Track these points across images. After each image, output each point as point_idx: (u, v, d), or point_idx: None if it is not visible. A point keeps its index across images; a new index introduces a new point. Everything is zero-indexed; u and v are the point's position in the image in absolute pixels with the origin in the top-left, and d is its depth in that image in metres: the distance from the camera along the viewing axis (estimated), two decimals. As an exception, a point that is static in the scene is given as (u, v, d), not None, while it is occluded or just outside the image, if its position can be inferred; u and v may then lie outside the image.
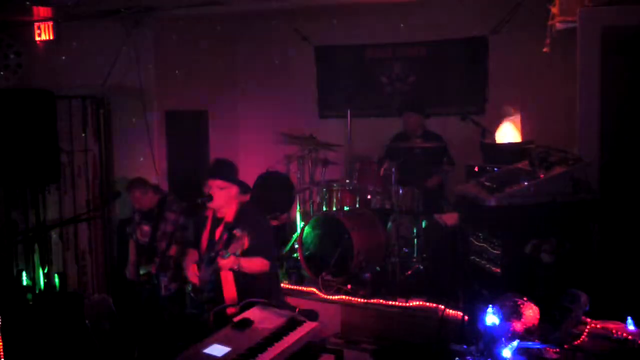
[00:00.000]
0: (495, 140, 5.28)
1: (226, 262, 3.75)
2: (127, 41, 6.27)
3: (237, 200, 4.11)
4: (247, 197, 4.21)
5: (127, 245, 5.57)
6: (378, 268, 5.60)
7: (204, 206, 4.18)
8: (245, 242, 3.69)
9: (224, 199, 4.04)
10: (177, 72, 6.61)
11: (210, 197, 4.02)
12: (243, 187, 4.15)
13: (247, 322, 3.11)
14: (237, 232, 3.70)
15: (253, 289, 3.85)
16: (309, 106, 7.39)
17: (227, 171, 4.11)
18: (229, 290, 3.95)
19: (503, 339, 2.87)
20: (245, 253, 3.84)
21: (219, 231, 4.06)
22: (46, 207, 6.15)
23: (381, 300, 5.15)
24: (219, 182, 4.04)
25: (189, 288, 4.08)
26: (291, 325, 3.14)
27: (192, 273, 3.99)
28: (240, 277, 3.94)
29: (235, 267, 3.83)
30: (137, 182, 5.39)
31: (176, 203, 5.23)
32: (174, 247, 5.05)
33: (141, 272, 5.24)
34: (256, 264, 3.94)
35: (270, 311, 3.32)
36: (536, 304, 3.01)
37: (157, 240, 5.16)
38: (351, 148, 6.78)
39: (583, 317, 3.09)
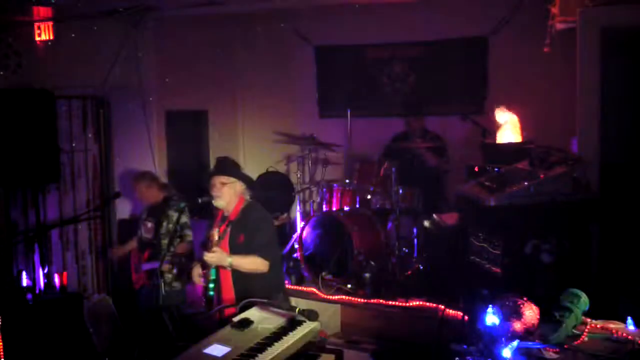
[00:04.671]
0: (495, 140, 5.27)
1: (211, 257, 3.71)
2: (127, 41, 6.27)
3: (242, 198, 4.04)
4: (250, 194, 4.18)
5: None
6: (378, 268, 5.59)
7: (205, 206, 4.17)
8: (215, 235, 3.72)
9: (228, 196, 3.99)
10: (177, 72, 6.60)
11: (210, 197, 4.00)
12: (248, 182, 4.09)
13: (247, 322, 3.11)
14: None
15: (251, 290, 3.79)
16: (309, 106, 7.39)
17: (230, 167, 4.07)
18: (227, 290, 3.93)
19: (503, 339, 2.87)
20: (240, 250, 3.82)
21: (222, 229, 4.05)
22: (46, 207, 6.15)
23: (381, 300, 5.15)
24: (222, 178, 4.00)
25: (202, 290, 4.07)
26: (291, 325, 3.14)
27: (196, 274, 3.98)
28: (239, 277, 3.92)
29: (226, 264, 3.76)
30: (143, 176, 5.40)
31: (179, 202, 5.24)
32: (181, 245, 5.07)
33: (144, 268, 5.25)
34: (250, 263, 3.84)
35: (270, 311, 3.32)
36: (536, 304, 3.01)
37: (160, 237, 5.17)
38: (351, 148, 6.78)
39: (583, 317, 3.09)
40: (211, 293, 3.94)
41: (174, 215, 5.06)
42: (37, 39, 6.75)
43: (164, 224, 5.17)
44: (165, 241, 5.14)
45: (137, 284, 5.31)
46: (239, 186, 4.01)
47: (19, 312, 4.74)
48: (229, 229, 3.93)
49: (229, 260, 3.75)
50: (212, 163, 6.94)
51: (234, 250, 3.88)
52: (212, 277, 3.94)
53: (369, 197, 5.94)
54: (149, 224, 5.29)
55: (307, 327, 3.14)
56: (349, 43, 7.16)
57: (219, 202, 4.01)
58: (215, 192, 3.98)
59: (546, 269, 3.63)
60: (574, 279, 3.58)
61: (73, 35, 6.56)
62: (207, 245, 3.79)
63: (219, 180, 3.99)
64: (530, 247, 3.64)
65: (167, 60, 6.56)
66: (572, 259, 3.68)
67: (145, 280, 5.20)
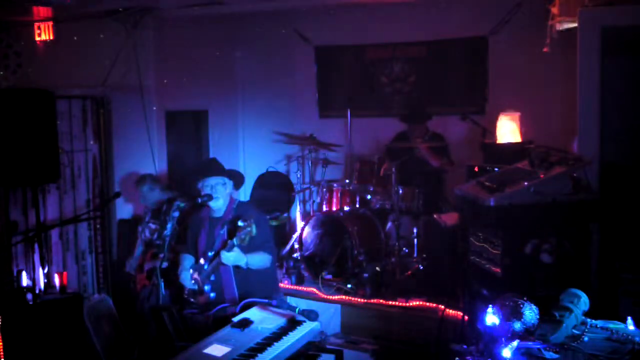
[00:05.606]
0: (495, 140, 5.28)
1: (231, 256, 3.73)
2: (127, 41, 6.27)
3: (231, 197, 4.15)
4: (236, 193, 4.29)
5: (131, 244, 5.58)
6: (378, 268, 5.59)
7: (204, 206, 4.18)
8: (253, 229, 3.69)
9: (224, 196, 4.07)
10: (177, 72, 6.60)
11: (209, 197, 4.02)
12: (240, 181, 4.21)
13: (247, 322, 3.11)
14: (240, 222, 3.71)
15: (252, 288, 3.84)
16: (309, 106, 7.38)
17: (223, 168, 4.15)
18: (229, 290, 3.95)
19: (503, 339, 2.87)
20: (249, 248, 3.84)
21: (217, 230, 4.06)
22: (46, 207, 6.15)
23: (381, 300, 5.15)
24: (219, 179, 4.05)
25: (186, 292, 4.07)
26: (291, 325, 3.14)
27: (187, 278, 4.00)
28: (241, 277, 3.94)
29: (242, 263, 3.81)
30: (144, 179, 5.41)
31: (181, 202, 5.24)
32: (178, 246, 5.06)
33: (146, 268, 5.24)
34: (259, 258, 3.96)
35: (270, 311, 3.32)
36: (536, 304, 3.01)
37: (163, 238, 5.16)
38: (351, 148, 6.78)
39: (583, 317, 3.09)
40: (212, 295, 3.95)
41: (176, 215, 5.06)
42: (37, 39, 6.76)
43: (168, 225, 5.17)
44: (167, 242, 5.14)
45: (139, 285, 5.31)
46: (229, 186, 4.13)
47: (19, 312, 4.73)
48: (226, 228, 3.96)
49: (244, 259, 3.81)
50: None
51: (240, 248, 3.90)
52: (211, 278, 3.95)
53: (369, 197, 5.94)
54: (153, 226, 5.30)
55: (307, 327, 3.14)
56: (349, 43, 7.15)
57: (218, 202, 4.05)
58: (214, 192, 4.02)
59: (546, 269, 3.63)
60: (574, 279, 3.58)
61: (73, 35, 6.56)
62: (225, 245, 3.80)
63: (215, 181, 4.04)
64: (530, 247, 3.64)
65: (167, 60, 6.56)
66: (572, 258, 3.68)
67: (146, 281, 5.20)
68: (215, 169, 4.13)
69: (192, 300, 3.99)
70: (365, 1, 6.45)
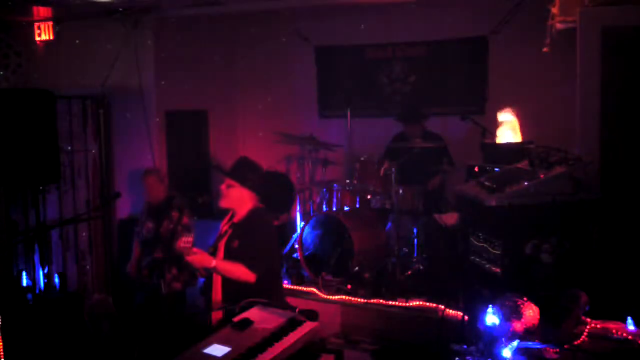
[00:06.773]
0: (495, 140, 5.28)
1: (193, 260, 3.62)
2: (127, 41, 6.27)
3: (252, 204, 3.95)
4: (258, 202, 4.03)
5: (131, 244, 5.58)
6: (378, 268, 5.59)
7: (204, 206, 4.16)
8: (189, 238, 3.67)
9: (234, 198, 3.91)
10: (177, 72, 6.60)
11: (209, 197, 3.99)
12: (253, 189, 3.92)
13: (247, 322, 3.11)
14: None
15: (240, 298, 3.57)
16: (309, 106, 7.39)
17: (239, 171, 3.95)
18: (216, 291, 3.88)
19: (503, 339, 2.87)
20: (234, 255, 3.76)
21: (224, 229, 4.03)
22: (46, 207, 6.15)
23: (381, 300, 5.15)
24: (229, 180, 3.94)
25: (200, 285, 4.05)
26: (291, 325, 3.14)
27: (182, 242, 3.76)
28: (227, 283, 3.83)
29: (210, 267, 3.66)
30: (154, 171, 5.41)
31: (181, 202, 5.24)
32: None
33: (143, 263, 5.24)
34: (235, 270, 3.69)
35: (270, 311, 3.32)
36: (536, 304, 3.01)
37: (160, 236, 5.17)
38: (351, 148, 6.78)
39: (583, 317, 3.09)
40: (201, 279, 3.89)
41: (175, 215, 5.07)
42: (37, 39, 6.76)
43: (165, 223, 5.17)
44: (165, 240, 5.15)
45: (138, 284, 5.31)
46: (247, 191, 3.90)
47: (19, 312, 4.74)
48: (230, 231, 3.91)
49: (212, 262, 3.65)
50: (212, 163, 7.02)
51: (228, 253, 3.82)
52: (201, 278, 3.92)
53: (369, 197, 5.94)
54: (150, 224, 5.29)
55: (307, 327, 3.14)
56: (349, 43, 7.16)
57: (222, 202, 3.97)
58: (222, 191, 3.93)
59: (546, 269, 3.63)
60: (574, 279, 3.58)
61: (73, 35, 6.56)
62: (186, 249, 3.65)
63: (227, 181, 3.93)
64: (530, 247, 3.64)
65: (167, 61, 6.56)
66: (572, 259, 3.68)
67: (145, 279, 5.20)
68: (230, 169, 3.98)
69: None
70: (365, 1, 6.45)
